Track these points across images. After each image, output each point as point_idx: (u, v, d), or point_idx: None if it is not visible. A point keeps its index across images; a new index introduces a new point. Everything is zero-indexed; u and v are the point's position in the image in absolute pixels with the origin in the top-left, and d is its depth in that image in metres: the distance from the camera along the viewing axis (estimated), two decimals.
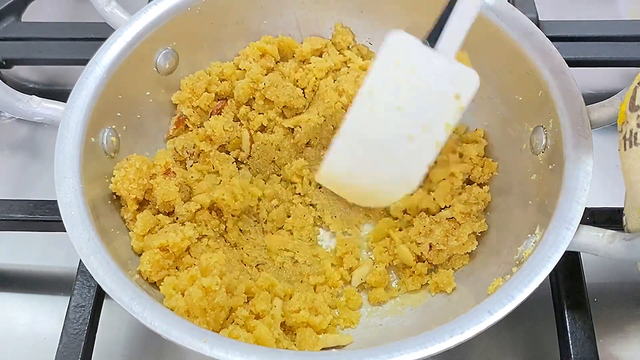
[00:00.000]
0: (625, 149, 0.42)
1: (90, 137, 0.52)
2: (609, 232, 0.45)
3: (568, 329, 0.51)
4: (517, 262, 0.49)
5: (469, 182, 0.59)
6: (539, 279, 0.43)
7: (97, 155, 0.53)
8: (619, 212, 0.54)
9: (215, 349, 0.41)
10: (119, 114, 0.56)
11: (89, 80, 0.53)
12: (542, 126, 0.53)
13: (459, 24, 0.47)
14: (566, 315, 0.51)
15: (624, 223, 0.46)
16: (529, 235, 0.50)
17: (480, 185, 0.58)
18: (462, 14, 0.46)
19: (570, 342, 0.50)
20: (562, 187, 0.47)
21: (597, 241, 0.45)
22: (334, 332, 0.53)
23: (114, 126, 0.55)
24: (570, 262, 0.53)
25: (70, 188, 0.48)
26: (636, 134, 0.41)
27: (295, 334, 0.51)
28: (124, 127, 0.56)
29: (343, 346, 0.52)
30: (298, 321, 0.51)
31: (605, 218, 0.55)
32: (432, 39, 0.47)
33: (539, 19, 0.69)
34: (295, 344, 0.50)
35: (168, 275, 0.50)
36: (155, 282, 0.51)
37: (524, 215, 0.53)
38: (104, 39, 0.55)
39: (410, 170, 0.50)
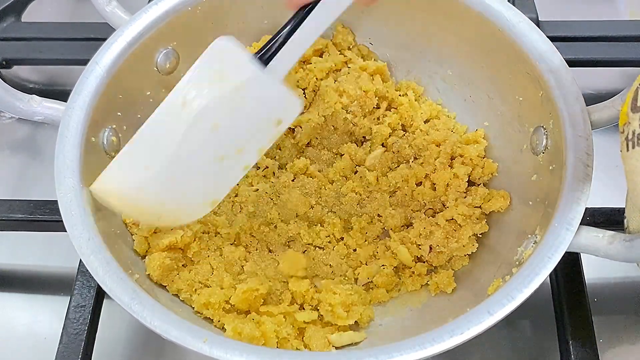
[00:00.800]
0: (627, 150, 0.42)
1: (91, 137, 0.52)
2: (609, 232, 0.45)
3: (568, 330, 0.51)
4: (517, 263, 0.49)
5: (469, 182, 0.59)
6: (539, 279, 0.43)
7: (97, 155, 0.52)
8: (619, 212, 0.55)
9: (214, 349, 0.41)
10: (119, 113, 0.56)
11: (90, 80, 0.53)
12: (543, 126, 0.53)
13: (299, 45, 0.43)
14: (566, 316, 0.51)
15: (625, 225, 0.46)
16: (529, 236, 0.50)
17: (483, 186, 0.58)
18: (305, 35, 0.43)
19: (570, 342, 0.50)
20: (562, 188, 0.47)
21: (597, 242, 0.45)
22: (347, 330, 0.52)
23: (114, 126, 0.55)
24: (570, 262, 0.54)
25: (70, 188, 0.48)
26: (638, 134, 0.41)
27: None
28: (125, 127, 0.56)
29: (357, 343, 0.51)
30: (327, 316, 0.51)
31: (605, 218, 0.55)
32: (264, 56, 0.43)
33: (539, 19, 0.69)
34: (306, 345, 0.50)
35: (178, 276, 0.52)
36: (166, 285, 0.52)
37: (524, 215, 0.53)
38: (104, 39, 0.55)
39: (211, 191, 0.47)
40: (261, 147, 0.47)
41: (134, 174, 0.45)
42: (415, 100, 0.63)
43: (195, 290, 0.52)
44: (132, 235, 0.53)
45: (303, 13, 0.42)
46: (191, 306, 0.51)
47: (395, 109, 0.63)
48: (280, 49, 0.43)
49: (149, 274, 0.51)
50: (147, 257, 0.52)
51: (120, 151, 0.45)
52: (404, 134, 0.62)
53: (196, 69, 0.43)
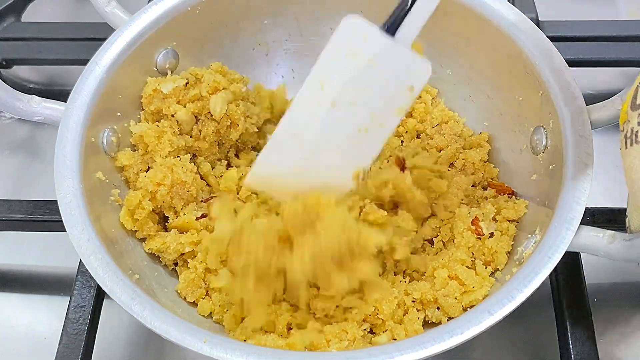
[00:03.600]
0: (626, 147, 0.42)
1: (91, 137, 0.52)
2: (609, 232, 0.45)
3: (568, 329, 0.51)
4: (518, 263, 0.49)
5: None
6: (539, 279, 0.43)
7: (97, 156, 0.53)
8: (619, 211, 0.55)
9: (215, 349, 0.41)
10: (119, 113, 0.56)
11: (89, 80, 0.53)
12: (543, 126, 0.53)
13: (421, 13, 0.45)
14: (566, 315, 0.51)
15: (627, 224, 0.46)
16: (529, 236, 0.50)
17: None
18: (426, 3, 0.44)
19: (570, 342, 0.50)
20: (562, 187, 0.47)
21: (597, 241, 0.45)
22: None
23: (114, 126, 0.55)
24: (570, 262, 0.53)
25: (70, 188, 0.48)
26: (637, 132, 0.41)
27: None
28: (124, 127, 0.56)
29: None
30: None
31: (605, 218, 0.55)
32: (391, 27, 0.45)
33: (539, 19, 0.69)
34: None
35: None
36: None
37: (525, 215, 0.53)
38: (104, 39, 0.55)
39: (357, 163, 0.48)
40: (398, 108, 0.47)
41: (288, 156, 0.46)
42: (431, 103, 0.63)
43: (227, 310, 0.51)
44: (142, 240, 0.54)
45: None
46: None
47: (411, 115, 0.63)
48: (405, 17, 0.44)
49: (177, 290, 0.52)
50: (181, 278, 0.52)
51: (270, 139, 0.46)
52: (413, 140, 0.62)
53: (329, 50, 0.44)
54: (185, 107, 0.57)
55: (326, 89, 0.45)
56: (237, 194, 0.58)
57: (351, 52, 0.44)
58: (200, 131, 0.58)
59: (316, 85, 0.44)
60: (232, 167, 0.61)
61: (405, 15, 0.44)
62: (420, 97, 0.63)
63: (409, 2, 0.44)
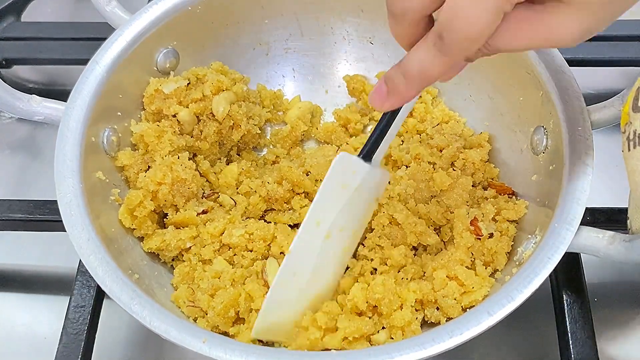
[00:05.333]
0: (629, 150, 0.41)
1: (91, 137, 0.52)
2: (609, 233, 0.45)
3: (568, 329, 0.51)
4: (517, 263, 0.49)
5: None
6: (538, 280, 0.43)
7: (97, 155, 0.53)
8: (619, 211, 0.55)
9: (214, 349, 0.41)
10: (119, 113, 0.56)
11: (90, 80, 0.53)
12: (543, 126, 0.53)
13: (391, 137, 0.50)
14: (566, 315, 0.51)
15: (629, 226, 0.46)
16: (529, 236, 0.50)
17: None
18: (394, 129, 0.50)
19: (570, 342, 0.50)
20: (562, 188, 0.47)
21: (597, 242, 0.45)
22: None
23: (114, 125, 0.55)
24: (570, 262, 0.53)
25: (70, 187, 0.48)
26: None
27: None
28: (125, 127, 0.56)
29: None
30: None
31: (605, 218, 0.55)
32: (368, 155, 0.49)
33: None
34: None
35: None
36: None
37: (525, 216, 0.53)
38: (103, 39, 0.55)
39: (340, 275, 0.52)
40: (367, 222, 0.53)
41: (289, 295, 0.48)
42: (431, 103, 0.63)
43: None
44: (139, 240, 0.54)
45: (389, 113, 0.48)
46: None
47: (411, 114, 0.63)
48: (378, 145, 0.49)
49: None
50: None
51: (272, 283, 0.47)
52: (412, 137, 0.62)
53: (326, 187, 0.47)
54: (187, 107, 0.57)
55: (321, 225, 0.48)
56: (237, 189, 0.58)
57: (344, 186, 0.48)
58: (201, 131, 0.58)
59: (312, 225, 0.47)
60: (232, 162, 0.61)
61: (378, 144, 0.49)
62: (420, 96, 0.63)
63: (379, 134, 0.49)
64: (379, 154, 0.50)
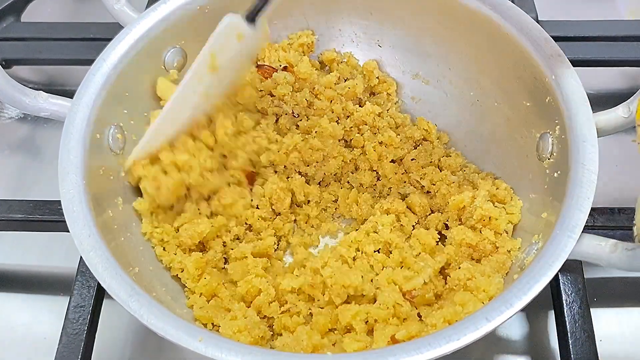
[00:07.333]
0: None
1: (96, 134, 0.52)
2: (612, 241, 0.45)
3: (568, 329, 0.51)
4: (519, 269, 0.48)
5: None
6: (538, 287, 0.43)
7: (101, 152, 0.53)
8: (619, 212, 0.54)
9: (210, 348, 0.41)
10: (125, 111, 0.56)
11: (96, 77, 0.53)
12: (549, 132, 0.52)
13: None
14: (566, 315, 0.51)
15: (635, 233, 0.46)
16: (532, 242, 0.49)
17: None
18: None
19: (570, 342, 0.50)
20: (566, 195, 0.47)
21: (599, 250, 0.45)
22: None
23: (120, 123, 0.55)
24: (571, 262, 0.53)
25: (73, 184, 0.48)
26: None
27: None
28: (131, 124, 0.56)
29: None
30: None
31: (605, 218, 0.55)
32: (251, 17, 0.53)
33: (539, 19, 0.69)
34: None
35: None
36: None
37: (528, 221, 0.53)
38: (103, 39, 0.55)
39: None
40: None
41: (167, 133, 0.53)
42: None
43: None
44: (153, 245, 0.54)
45: None
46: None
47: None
48: (263, 7, 0.53)
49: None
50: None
51: (155, 121, 0.52)
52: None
53: (209, 50, 0.52)
54: None
55: (203, 81, 0.53)
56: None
57: (226, 48, 0.53)
58: None
59: (195, 82, 0.52)
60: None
61: (262, 10, 0.53)
62: (427, 130, 0.63)
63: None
64: (262, 16, 0.53)
